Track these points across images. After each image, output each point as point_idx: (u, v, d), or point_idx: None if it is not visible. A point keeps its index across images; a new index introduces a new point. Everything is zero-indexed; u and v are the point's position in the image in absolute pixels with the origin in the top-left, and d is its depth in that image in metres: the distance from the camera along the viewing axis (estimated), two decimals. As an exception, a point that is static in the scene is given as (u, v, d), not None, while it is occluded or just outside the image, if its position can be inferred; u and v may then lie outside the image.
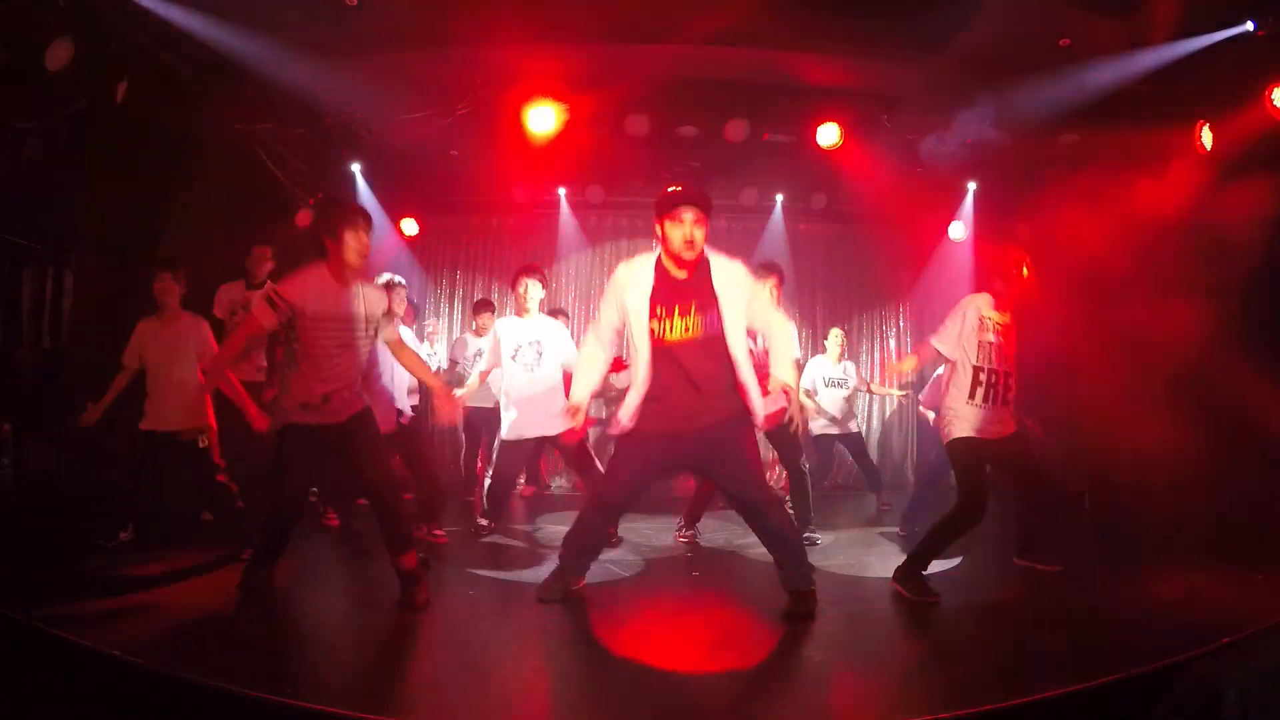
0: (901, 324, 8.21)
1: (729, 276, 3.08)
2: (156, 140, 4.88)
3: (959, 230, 7.19)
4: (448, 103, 5.54)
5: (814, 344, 7.60)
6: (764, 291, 3.22)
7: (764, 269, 4.46)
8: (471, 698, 2.40)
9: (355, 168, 6.72)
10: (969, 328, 3.53)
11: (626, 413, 3.09)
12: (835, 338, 6.25)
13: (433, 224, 7.98)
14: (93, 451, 4.41)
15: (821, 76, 5.31)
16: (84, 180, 4.74)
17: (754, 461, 3.21)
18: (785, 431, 4.54)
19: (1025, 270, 3.57)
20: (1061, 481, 6.41)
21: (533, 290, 4.54)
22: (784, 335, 3.22)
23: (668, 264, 3.08)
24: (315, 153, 6.36)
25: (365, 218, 3.19)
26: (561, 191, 7.57)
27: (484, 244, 8.09)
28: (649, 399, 3.08)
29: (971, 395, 3.50)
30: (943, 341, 3.60)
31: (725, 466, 3.16)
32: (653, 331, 3.03)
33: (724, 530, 4.97)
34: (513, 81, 5.44)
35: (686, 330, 3.02)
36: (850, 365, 6.37)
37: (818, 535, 4.61)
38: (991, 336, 3.51)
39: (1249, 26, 4.03)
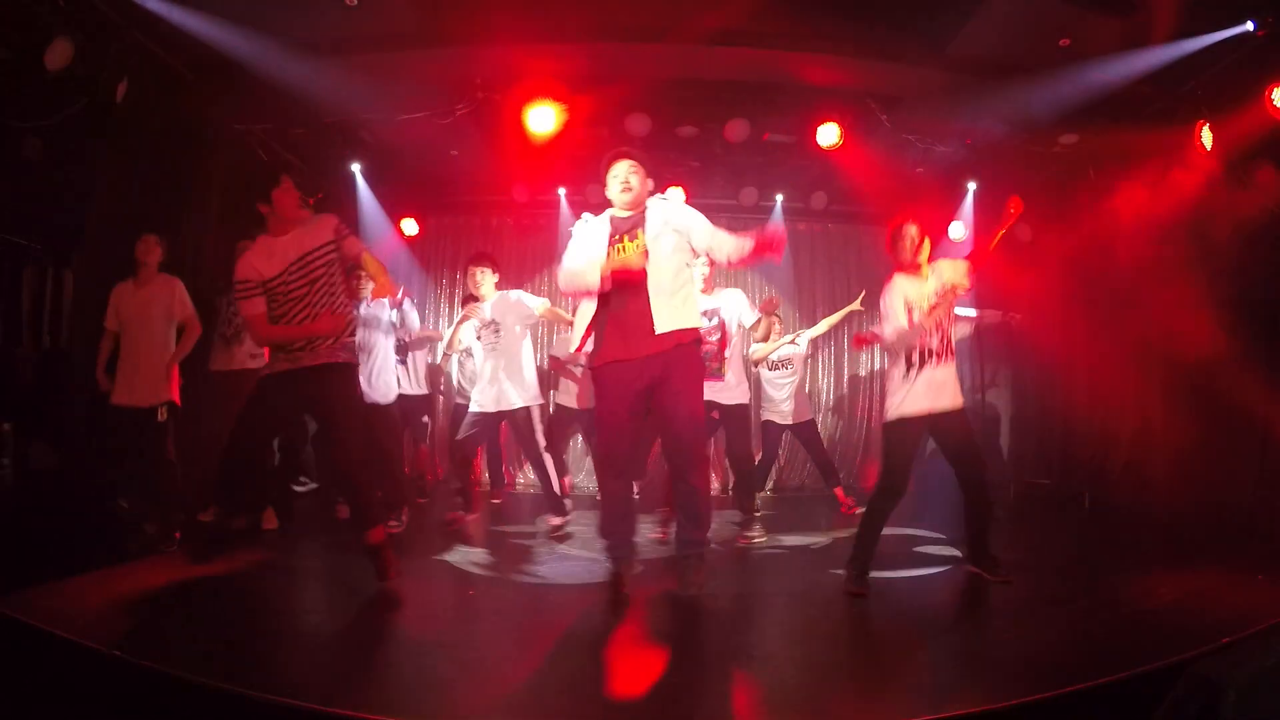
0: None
1: (675, 209, 3.35)
2: (156, 140, 4.88)
3: (959, 230, 7.19)
4: (448, 103, 5.53)
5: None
6: (703, 219, 3.37)
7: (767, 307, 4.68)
8: (471, 698, 2.40)
9: (355, 168, 6.72)
10: (894, 315, 3.55)
11: (592, 341, 3.29)
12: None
13: (433, 224, 7.99)
14: (92, 451, 4.40)
15: (821, 76, 5.30)
16: (84, 180, 4.75)
17: (687, 397, 3.23)
18: (742, 416, 4.66)
19: (913, 234, 3.67)
20: (1060, 479, 6.43)
21: (480, 277, 4.69)
22: (736, 242, 3.33)
23: (616, 211, 3.37)
24: (315, 153, 6.36)
25: (286, 171, 3.35)
26: (561, 191, 7.56)
27: (484, 244, 8.08)
28: (610, 325, 3.24)
29: (906, 375, 3.52)
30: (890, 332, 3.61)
31: (666, 397, 3.20)
32: (609, 255, 3.25)
33: (724, 530, 4.97)
34: (513, 81, 5.44)
35: (625, 257, 3.21)
36: (800, 335, 5.87)
37: (757, 534, 4.63)
38: (917, 316, 3.51)
39: (1249, 26, 4.03)
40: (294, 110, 5.47)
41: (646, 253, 3.20)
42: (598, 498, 3.54)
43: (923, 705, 2.28)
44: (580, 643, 2.95)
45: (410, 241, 7.79)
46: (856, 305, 5.70)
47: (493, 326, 4.63)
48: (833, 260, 8.09)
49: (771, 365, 5.77)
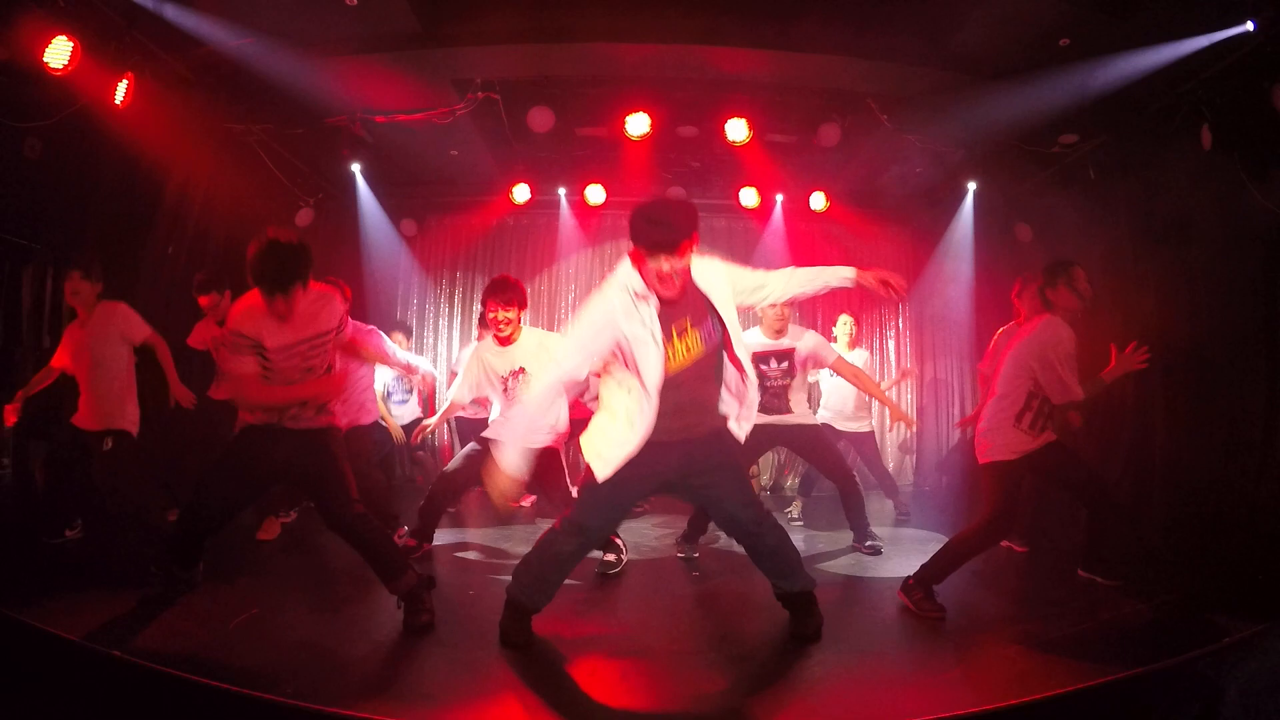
0: (901, 324, 8.21)
1: (709, 274, 2.77)
2: (156, 140, 4.88)
3: (959, 230, 7.19)
4: (448, 103, 5.53)
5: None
6: (736, 269, 2.90)
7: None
8: (471, 697, 2.40)
9: (355, 168, 6.72)
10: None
11: (618, 458, 2.73)
12: (844, 325, 5.93)
13: (433, 224, 8.00)
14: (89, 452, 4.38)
15: (821, 76, 5.30)
16: (84, 180, 4.75)
17: (742, 472, 2.99)
18: (815, 435, 4.54)
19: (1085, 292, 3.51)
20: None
21: (504, 314, 3.95)
22: (789, 273, 2.93)
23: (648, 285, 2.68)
24: (315, 153, 6.36)
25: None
26: (561, 191, 7.57)
27: (484, 244, 8.10)
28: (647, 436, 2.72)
29: (1019, 421, 3.45)
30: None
31: (709, 478, 2.84)
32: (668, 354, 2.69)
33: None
34: (513, 81, 5.44)
35: (688, 351, 2.72)
36: (863, 353, 6.05)
37: (881, 542, 4.52)
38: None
39: (1249, 26, 4.02)
40: (294, 110, 5.47)
41: (702, 342, 2.80)
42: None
43: (923, 705, 2.28)
44: (581, 642, 2.95)
45: (410, 241, 7.80)
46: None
47: (518, 375, 3.98)
48: (833, 261, 8.07)
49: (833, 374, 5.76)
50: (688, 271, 2.70)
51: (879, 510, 6.05)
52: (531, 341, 4.01)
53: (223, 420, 4.50)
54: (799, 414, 4.50)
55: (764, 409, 4.33)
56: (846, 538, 4.62)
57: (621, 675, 2.64)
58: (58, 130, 4.34)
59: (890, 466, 8.00)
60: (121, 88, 4.34)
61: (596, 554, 4.00)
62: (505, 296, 3.90)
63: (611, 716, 2.36)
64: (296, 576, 3.64)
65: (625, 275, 2.71)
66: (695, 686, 2.52)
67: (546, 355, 3.87)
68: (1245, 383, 4.51)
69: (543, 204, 7.61)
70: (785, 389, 4.45)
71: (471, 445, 4.20)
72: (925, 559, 3.39)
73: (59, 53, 3.90)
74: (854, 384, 4.79)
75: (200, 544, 3.18)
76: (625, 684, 2.57)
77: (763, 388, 4.34)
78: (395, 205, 7.41)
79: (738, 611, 3.44)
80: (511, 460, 2.79)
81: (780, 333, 4.46)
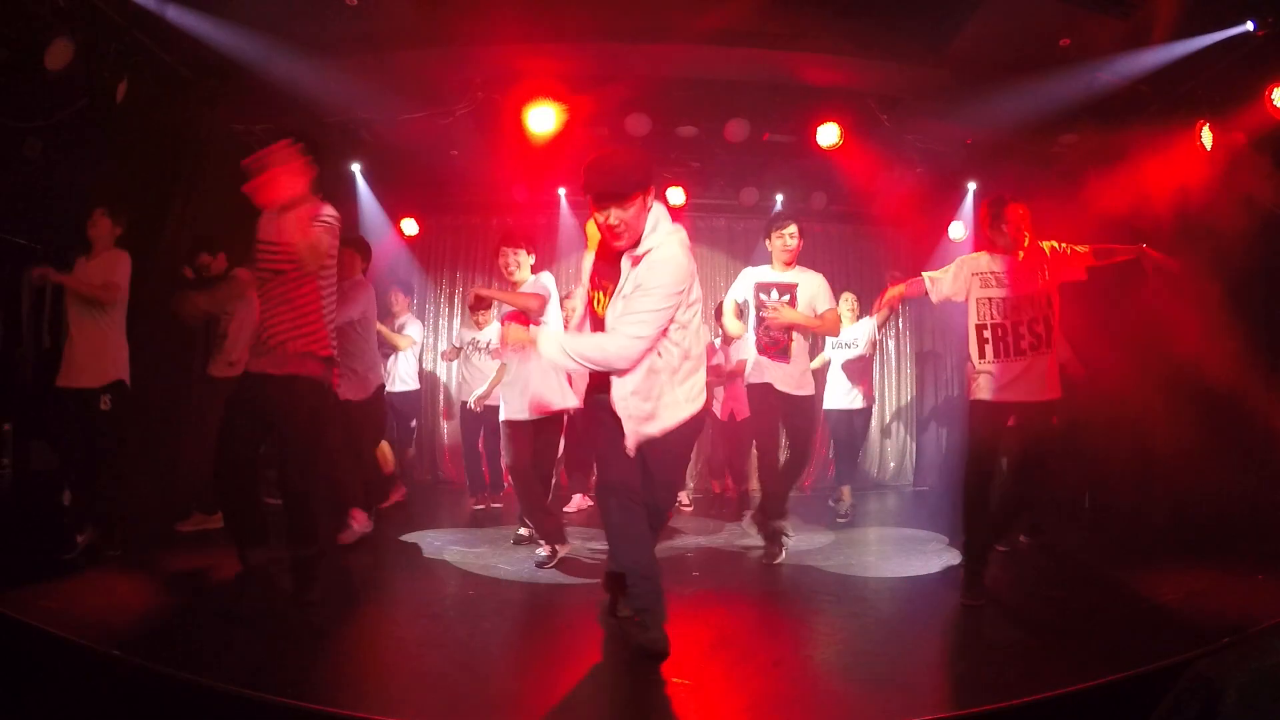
0: (901, 324, 8.21)
1: (645, 269, 2.65)
2: (156, 140, 4.88)
3: (959, 230, 7.19)
4: (448, 103, 5.53)
5: (817, 339, 7.58)
6: (694, 292, 2.77)
7: (782, 218, 4.45)
8: (471, 698, 2.40)
9: (355, 168, 6.72)
10: (959, 284, 3.51)
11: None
12: (846, 301, 5.89)
13: (433, 224, 7.99)
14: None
15: (821, 76, 5.31)
16: (84, 180, 4.75)
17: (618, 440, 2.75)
18: (809, 409, 4.38)
19: (1008, 213, 3.45)
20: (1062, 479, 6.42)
21: (514, 258, 4.20)
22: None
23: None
24: (315, 153, 6.35)
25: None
26: (561, 191, 7.57)
27: (484, 244, 8.10)
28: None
29: (981, 354, 3.45)
30: (933, 282, 3.60)
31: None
32: (591, 301, 2.83)
33: (724, 531, 4.98)
34: (513, 81, 5.44)
35: (600, 309, 2.77)
36: (866, 324, 5.94)
37: (788, 528, 4.35)
38: (993, 291, 3.45)
39: (1249, 26, 4.03)
40: (294, 110, 5.47)
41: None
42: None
43: (923, 705, 2.28)
44: (581, 643, 2.95)
45: (410, 241, 7.80)
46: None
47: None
48: (832, 260, 8.08)
49: (835, 345, 5.88)
50: (638, 230, 2.62)
51: (891, 510, 6.06)
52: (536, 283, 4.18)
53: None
54: (805, 379, 4.29)
55: (764, 343, 4.24)
56: (848, 537, 4.62)
57: (619, 675, 2.64)
58: (58, 130, 4.34)
59: (891, 467, 8.03)
60: (121, 88, 4.35)
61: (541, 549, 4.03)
62: (513, 239, 4.18)
63: (610, 716, 2.36)
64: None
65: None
66: (694, 686, 2.52)
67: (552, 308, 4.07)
68: (1246, 382, 4.51)
69: (543, 204, 7.61)
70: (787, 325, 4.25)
71: (511, 421, 4.08)
72: (924, 559, 3.40)
73: (59, 53, 3.90)
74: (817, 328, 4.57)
75: (250, 506, 3.11)
76: (623, 684, 2.57)
77: (760, 319, 4.25)
78: (395, 205, 7.40)
79: (737, 611, 3.43)
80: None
81: (788, 265, 4.37)
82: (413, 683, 2.51)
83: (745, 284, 4.36)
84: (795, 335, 4.27)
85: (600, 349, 2.64)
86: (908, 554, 4.37)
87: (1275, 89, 4.19)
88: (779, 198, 7.52)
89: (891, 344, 8.20)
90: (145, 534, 4.06)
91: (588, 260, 2.88)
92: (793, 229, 4.32)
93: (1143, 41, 4.35)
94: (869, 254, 8.11)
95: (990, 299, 3.45)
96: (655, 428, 2.68)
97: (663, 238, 2.64)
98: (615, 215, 2.57)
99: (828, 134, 5.80)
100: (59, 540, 3.69)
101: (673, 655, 2.68)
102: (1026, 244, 3.45)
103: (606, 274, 2.74)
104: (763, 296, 4.30)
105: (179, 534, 4.33)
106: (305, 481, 3.04)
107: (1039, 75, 4.70)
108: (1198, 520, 4.51)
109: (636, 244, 2.64)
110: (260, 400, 3.03)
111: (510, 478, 4.24)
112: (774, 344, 4.26)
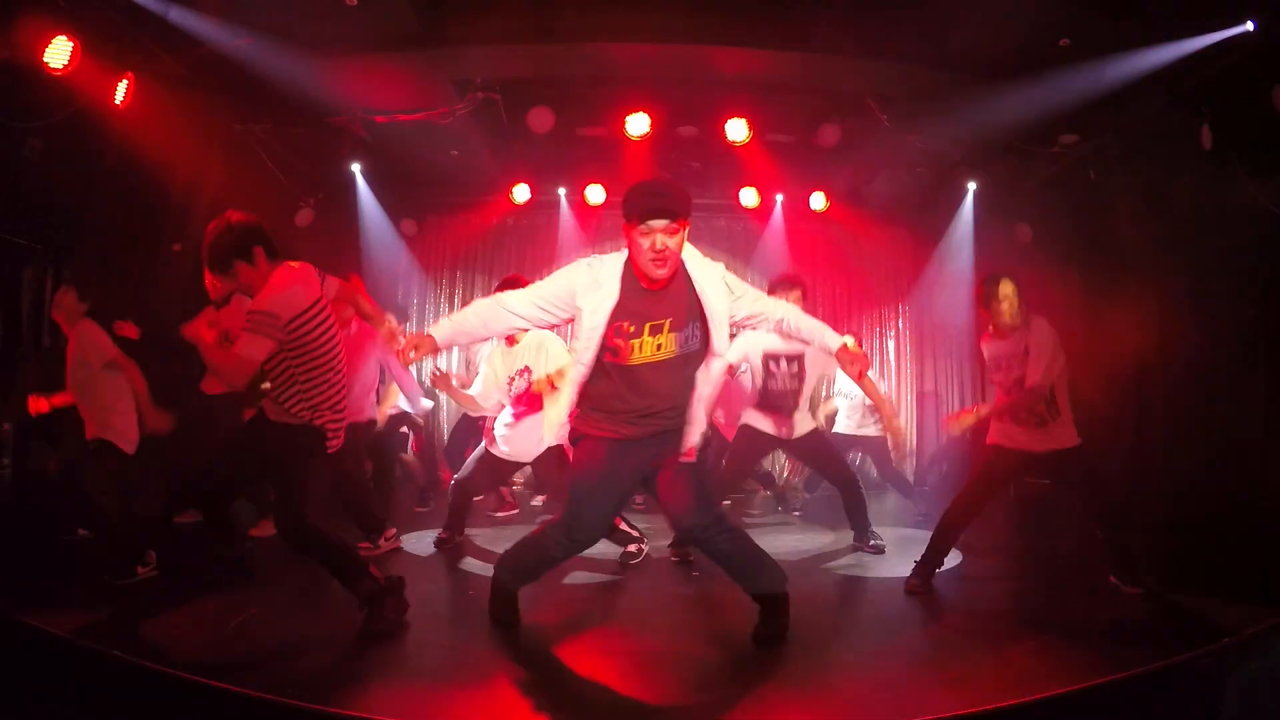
0: (901, 325, 8.21)
1: (710, 283, 2.68)
2: (156, 140, 4.88)
3: (958, 230, 7.19)
4: (448, 103, 5.53)
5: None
6: (743, 286, 2.81)
7: (786, 282, 4.39)
8: (470, 697, 2.40)
9: (355, 168, 6.72)
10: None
11: (560, 425, 2.84)
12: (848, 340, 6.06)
13: (433, 224, 7.99)
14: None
15: (821, 76, 5.30)
16: (84, 180, 4.75)
17: (700, 474, 2.86)
18: (818, 442, 4.52)
19: (1003, 292, 3.57)
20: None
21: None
22: (793, 312, 2.87)
23: (637, 273, 2.62)
24: (315, 153, 6.36)
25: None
26: (561, 191, 7.57)
27: (484, 244, 8.09)
28: (595, 409, 2.76)
29: (999, 419, 3.63)
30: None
31: (671, 474, 2.80)
32: (613, 350, 2.65)
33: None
34: (513, 81, 5.44)
35: (658, 349, 2.65)
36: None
37: (882, 541, 4.46)
38: (999, 375, 3.65)
39: (1249, 26, 4.02)
40: (294, 110, 5.47)
41: (677, 345, 2.81)
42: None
43: (923, 705, 2.28)
44: (580, 643, 2.95)
45: (410, 241, 7.80)
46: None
47: (526, 377, 4.07)
48: (832, 261, 8.09)
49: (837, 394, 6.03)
50: (679, 261, 2.61)
51: (890, 509, 6.06)
52: (532, 341, 4.05)
53: (220, 419, 4.52)
54: (800, 425, 4.43)
55: (771, 407, 4.39)
56: (848, 537, 4.62)
57: (620, 675, 2.64)
58: (58, 130, 4.34)
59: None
60: (121, 88, 4.34)
61: (616, 548, 4.08)
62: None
63: (610, 716, 2.36)
64: (295, 577, 3.63)
65: (605, 262, 2.66)
66: (694, 687, 2.52)
67: (544, 355, 4.00)
68: (1245, 383, 4.52)
69: (543, 204, 7.61)
70: (795, 392, 4.39)
71: (481, 449, 4.31)
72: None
73: (59, 53, 3.90)
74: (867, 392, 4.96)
75: (225, 514, 3.10)
76: (624, 684, 2.57)
77: (770, 388, 4.38)
78: (395, 205, 7.40)
79: (737, 611, 3.43)
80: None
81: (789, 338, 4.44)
82: (413, 683, 2.52)
83: (750, 350, 4.39)
84: (800, 402, 4.41)
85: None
86: (908, 554, 4.37)
87: (1275, 89, 4.18)
88: (779, 198, 7.53)
89: (891, 344, 8.19)
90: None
91: (596, 303, 2.62)
92: (797, 294, 4.31)
93: (1143, 41, 4.35)
94: (869, 254, 8.11)
95: (999, 382, 3.65)
96: None
97: (697, 262, 2.69)
98: (663, 240, 2.51)
99: (828, 133, 5.80)
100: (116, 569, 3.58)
101: (673, 655, 2.68)
102: (1017, 322, 3.56)
103: (636, 312, 2.62)
104: (773, 365, 4.40)
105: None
106: (304, 530, 2.93)
107: (1039, 75, 4.70)
108: (1197, 520, 4.51)
109: (674, 273, 2.60)
110: (258, 446, 2.98)
111: (451, 489, 4.40)
112: (779, 410, 4.40)
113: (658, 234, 2.51)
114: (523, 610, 3.11)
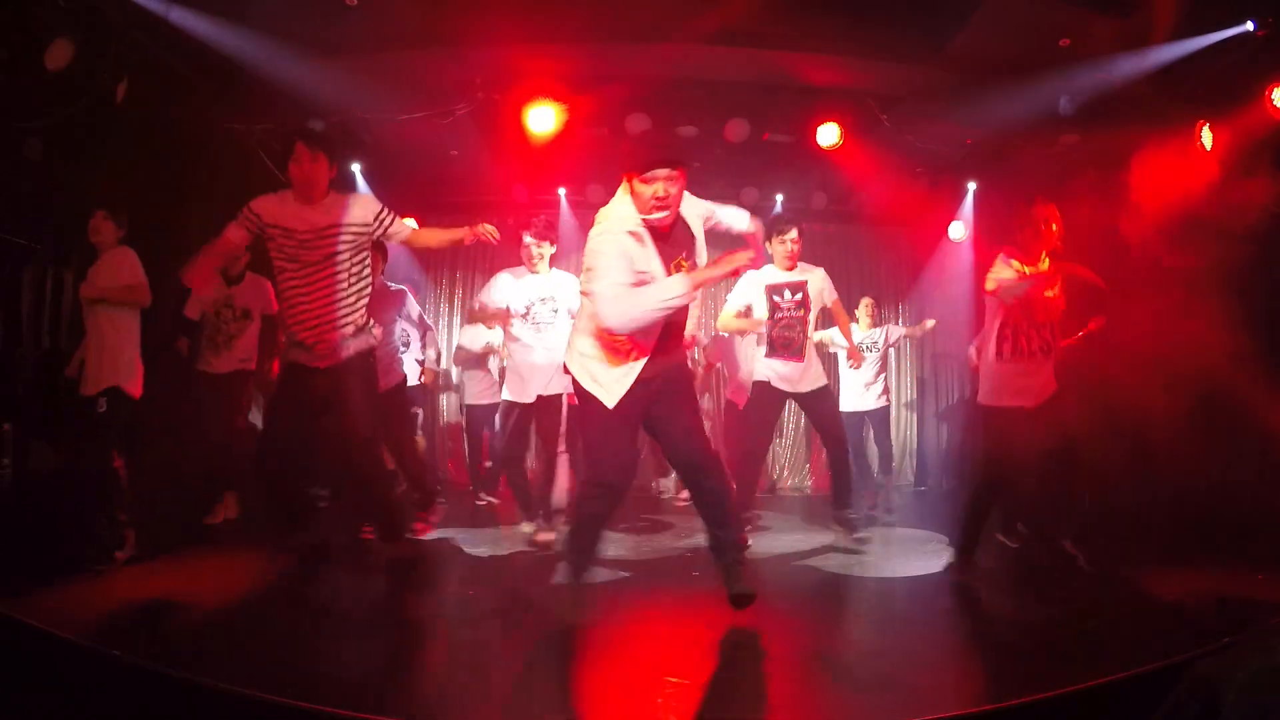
0: (901, 324, 8.20)
1: (694, 217, 2.90)
2: (156, 141, 4.88)
3: (959, 230, 7.19)
4: (448, 103, 5.53)
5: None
6: (702, 203, 2.98)
7: (783, 222, 4.55)
8: (471, 698, 2.40)
9: (355, 168, 6.72)
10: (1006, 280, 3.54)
11: (622, 388, 2.79)
12: (864, 307, 6.21)
13: (433, 224, 7.94)
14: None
15: (821, 76, 5.31)
16: (84, 180, 4.75)
17: (696, 409, 3.07)
18: (825, 397, 4.57)
19: (1048, 224, 3.58)
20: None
21: (538, 249, 4.23)
22: (717, 206, 3.09)
23: (645, 225, 2.72)
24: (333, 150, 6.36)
25: (300, 141, 3.26)
26: (561, 191, 7.57)
27: (484, 244, 8.04)
28: (608, 349, 2.83)
29: (999, 353, 3.57)
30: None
31: (671, 410, 2.91)
32: None
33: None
34: (513, 81, 5.44)
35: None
36: (888, 330, 6.26)
37: (858, 517, 4.50)
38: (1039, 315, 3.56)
39: (1249, 26, 4.03)
40: (294, 110, 5.47)
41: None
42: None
43: (923, 705, 2.28)
44: (582, 643, 2.95)
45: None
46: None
47: (550, 304, 4.19)
48: (832, 261, 8.06)
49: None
50: (679, 202, 2.75)
51: (898, 508, 6.06)
52: (563, 276, 4.24)
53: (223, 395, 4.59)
54: (811, 378, 4.45)
55: (779, 343, 4.41)
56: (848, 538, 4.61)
57: (620, 675, 2.64)
58: (58, 130, 4.34)
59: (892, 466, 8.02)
60: (121, 88, 4.34)
61: (627, 550, 4.16)
62: (543, 231, 4.25)
63: (610, 716, 2.36)
64: (293, 577, 3.63)
65: (621, 217, 2.71)
66: (694, 687, 2.52)
67: (574, 290, 4.05)
68: (1245, 382, 4.51)
69: (543, 204, 7.61)
70: (800, 320, 4.43)
71: (504, 409, 4.33)
72: (924, 559, 3.40)
73: (59, 53, 3.90)
74: (840, 327, 5.06)
75: (295, 494, 3.20)
76: (624, 684, 2.57)
77: (776, 320, 4.42)
78: (395, 205, 7.36)
79: (737, 611, 3.43)
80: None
81: (792, 267, 4.51)
82: (413, 683, 2.52)
83: (753, 288, 4.48)
84: (808, 333, 4.43)
85: None
86: (908, 554, 4.37)
87: (1275, 89, 4.19)
88: (779, 198, 7.52)
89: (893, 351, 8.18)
90: (154, 534, 4.05)
91: (637, 249, 2.69)
92: (794, 233, 4.46)
93: (1143, 41, 4.35)
94: (869, 254, 8.11)
95: (1044, 321, 3.58)
96: None
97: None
98: (665, 187, 2.65)
99: (828, 134, 5.81)
100: (96, 552, 3.56)
101: (672, 655, 2.68)
102: (1052, 247, 3.53)
103: (667, 252, 2.76)
104: (776, 298, 4.42)
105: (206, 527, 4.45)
106: (370, 465, 3.10)
107: (1039, 75, 4.71)
108: (1198, 520, 4.51)
109: (676, 217, 2.77)
110: (315, 396, 3.08)
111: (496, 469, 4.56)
112: (788, 345, 4.39)
113: (660, 181, 2.64)
114: (520, 611, 3.12)
